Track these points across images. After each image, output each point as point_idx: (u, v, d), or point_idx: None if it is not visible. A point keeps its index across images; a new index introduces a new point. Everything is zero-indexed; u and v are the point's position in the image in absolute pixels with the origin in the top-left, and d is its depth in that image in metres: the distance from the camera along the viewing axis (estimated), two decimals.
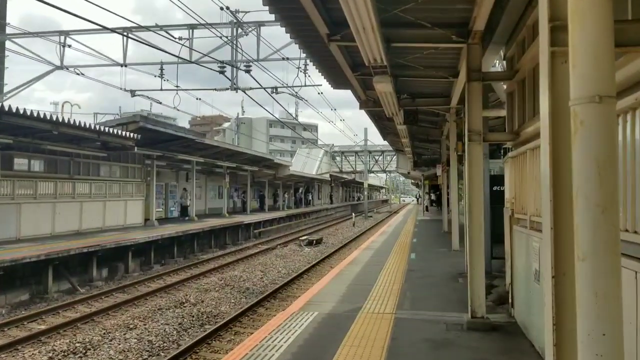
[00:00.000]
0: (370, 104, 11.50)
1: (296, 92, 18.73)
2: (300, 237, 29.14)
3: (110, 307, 13.02)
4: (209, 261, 21.36)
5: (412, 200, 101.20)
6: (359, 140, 59.87)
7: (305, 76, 18.48)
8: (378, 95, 8.84)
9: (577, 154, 2.23)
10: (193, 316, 12.00)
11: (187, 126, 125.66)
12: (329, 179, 63.81)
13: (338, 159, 76.28)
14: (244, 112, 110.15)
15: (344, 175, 72.81)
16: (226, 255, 23.15)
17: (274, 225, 36.24)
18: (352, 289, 9.79)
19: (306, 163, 72.12)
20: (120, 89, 19.78)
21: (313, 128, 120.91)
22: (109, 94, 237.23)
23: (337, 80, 10.58)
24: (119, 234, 20.17)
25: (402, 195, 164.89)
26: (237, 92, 18.70)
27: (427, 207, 46.18)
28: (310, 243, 27.18)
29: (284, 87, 18.58)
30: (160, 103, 21.31)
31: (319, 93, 21.32)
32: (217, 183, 36.84)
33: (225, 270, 18.89)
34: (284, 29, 8.37)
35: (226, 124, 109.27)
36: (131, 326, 11.23)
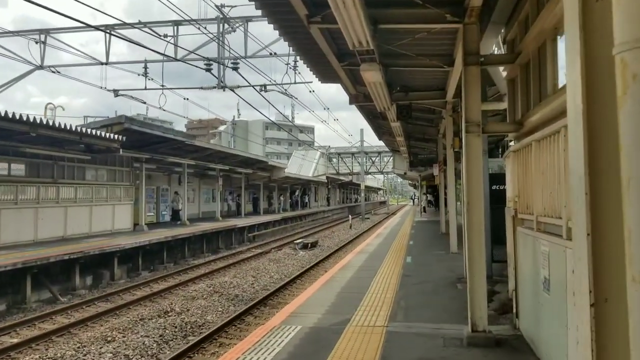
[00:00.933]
0: (361, 99, 10.81)
1: (285, 90, 18.06)
2: (295, 240, 28.42)
3: (90, 318, 12.31)
4: (199, 267, 20.65)
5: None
6: (354, 140, 59.39)
7: (295, 73, 17.85)
8: (367, 87, 8.16)
9: (628, 124, 1.55)
10: (176, 327, 11.30)
11: (184, 130, 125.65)
12: (326, 180, 63.05)
13: (335, 160, 75.70)
14: (239, 115, 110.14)
15: (341, 177, 72.15)
16: (218, 260, 22.45)
17: (269, 228, 35.54)
18: (341, 297, 9.06)
19: (302, 165, 71.48)
20: (101, 87, 19.10)
21: (309, 130, 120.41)
22: (106, 99, 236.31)
23: (324, 72, 9.88)
24: (106, 239, 19.45)
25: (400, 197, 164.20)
26: (224, 90, 18.02)
27: (424, 208, 45.51)
28: (305, 246, 26.50)
29: (273, 84, 17.88)
30: (145, 103, 20.44)
31: (310, 91, 20.65)
32: (210, 186, 36.14)
33: (215, 276, 18.19)
34: (272, 25, 7.75)
35: (222, 127, 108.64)
36: (109, 339, 10.53)
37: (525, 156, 5.56)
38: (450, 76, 8.78)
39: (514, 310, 6.33)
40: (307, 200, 57.87)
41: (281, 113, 48.84)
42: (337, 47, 7.89)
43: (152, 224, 27.59)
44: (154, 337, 10.46)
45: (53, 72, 18.39)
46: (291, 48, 8.62)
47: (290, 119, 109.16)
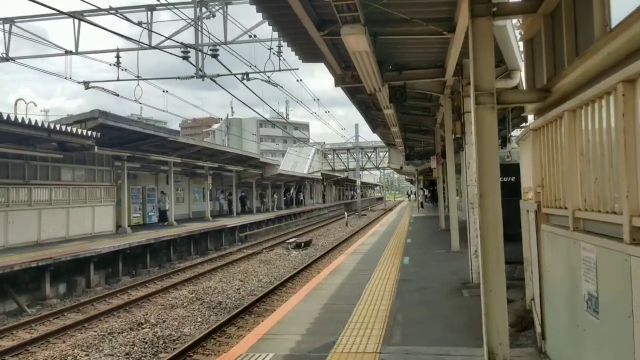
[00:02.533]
0: (348, 79, 9.57)
1: (269, 77, 16.75)
2: (288, 239, 27.20)
3: (54, 333, 11.06)
4: (184, 270, 19.41)
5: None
6: (347, 135, 58.14)
7: (279, 60, 16.54)
8: (353, 60, 6.92)
9: None
10: (147, 342, 10.08)
11: (178, 129, 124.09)
12: (321, 177, 61.81)
13: (330, 157, 74.48)
14: (233, 113, 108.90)
15: (337, 174, 70.95)
16: (205, 263, 21.21)
17: (262, 227, 34.31)
18: (328, 310, 7.77)
19: (297, 162, 70.26)
20: (66, 78, 17.80)
21: (304, 127, 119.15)
22: (100, 100, 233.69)
23: (305, 49, 8.65)
24: (84, 243, 18.19)
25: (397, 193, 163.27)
26: (203, 80, 16.75)
27: (422, 203, 44.33)
28: (298, 246, 25.30)
29: (256, 72, 16.61)
30: (118, 95, 19.06)
31: (298, 80, 19.39)
32: (200, 185, 34.83)
33: (200, 281, 16.96)
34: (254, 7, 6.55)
35: (216, 125, 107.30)
36: (69, 358, 9.31)
37: (552, 134, 4.34)
38: (451, 46, 7.53)
39: (539, 330, 5.07)
40: (302, 198, 56.54)
41: (275, 110, 47.66)
42: (316, 12, 6.66)
43: (138, 226, 26.36)
44: (119, 356, 9.24)
45: (6, 59, 17.01)
46: (265, 19, 7.36)
47: (284, 116, 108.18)
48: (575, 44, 3.99)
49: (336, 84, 9.77)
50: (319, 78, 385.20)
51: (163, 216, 27.87)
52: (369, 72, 7.45)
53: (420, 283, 9.74)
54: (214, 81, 16.02)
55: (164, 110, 38.45)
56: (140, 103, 18.31)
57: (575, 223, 3.81)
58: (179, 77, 17.86)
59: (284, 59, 16.61)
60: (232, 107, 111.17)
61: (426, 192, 49.04)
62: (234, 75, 15.90)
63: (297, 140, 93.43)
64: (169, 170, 26.95)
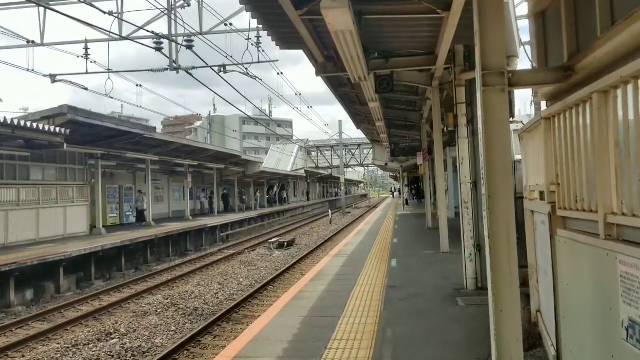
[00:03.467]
0: (330, 68, 8.81)
1: (247, 69, 15.89)
2: (271, 239, 26.41)
3: (14, 346, 10.21)
4: (161, 273, 18.55)
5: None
6: (332, 132, 57.47)
7: (259, 51, 15.69)
8: (335, 42, 6.17)
9: None
10: (114, 355, 9.29)
11: (160, 127, 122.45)
12: (305, 175, 61.04)
13: (314, 154, 73.74)
14: (215, 110, 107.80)
15: (321, 171, 70.23)
16: (184, 265, 20.36)
17: (244, 226, 33.47)
18: (308, 324, 6.95)
19: (280, 159, 69.47)
20: (28, 70, 16.81)
21: (288, 124, 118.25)
22: (86, 100, 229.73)
23: (282, 33, 7.87)
24: (54, 246, 17.27)
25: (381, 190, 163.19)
26: (177, 72, 15.89)
27: (407, 200, 43.74)
28: (281, 246, 24.52)
29: (234, 64, 15.74)
30: (87, 89, 18.10)
31: (278, 73, 18.60)
32: (181, 184, 33.83)
33: (177, 285, 16.14)
34: None
35: (198, 123, 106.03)
36: None
37: (573, 121, 3.63)
38: (445, 28, 6.80)
39: (554, 353, 4.34)
40: (285, 196, 55.70)
41: (258, 108, 46.79)
42: None
43: (114, 226, 25.43)
44: None
45: None
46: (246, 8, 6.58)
47: (267, 113, 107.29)
48: (611, 9, 3.29)
49: (317, 73, 8.99)
50: (302, 76, 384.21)
51: (141, 216, 26.95)
52: (353, 57, 6.70)
53: (410, 289, 8.95)
54: (189, 74, 15.16)
55: (138, 106, 37.33)
56: (110, 97, 17.38)
57: (608, 230, 3.10)
58: (151, 70, 16.98)
59: (263, 51, 15.81)
60: (214, 105, 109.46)
61: (411, 189, 48.46)
62: (210, 67, 15.06)
63: (280, 138, 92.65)
64: (146, 168, 26.00)
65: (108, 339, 10.43)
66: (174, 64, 15.55)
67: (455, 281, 9.12)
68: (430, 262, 12.02)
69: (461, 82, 7.78)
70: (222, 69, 15.69)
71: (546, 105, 4.77)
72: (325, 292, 8.97)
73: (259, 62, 15.89)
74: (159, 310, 12.60)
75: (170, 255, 22.86)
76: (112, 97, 17.89)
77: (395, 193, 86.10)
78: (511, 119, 20.10)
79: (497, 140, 3.76)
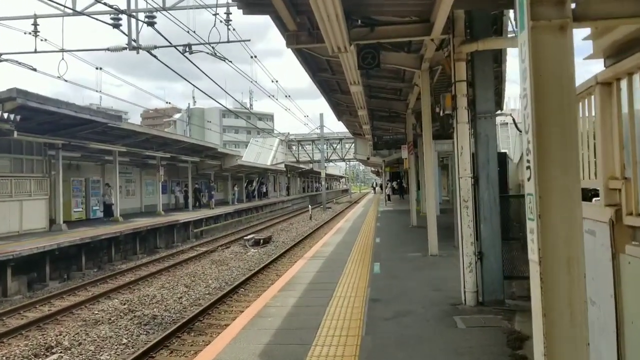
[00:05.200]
0: (304, 38, 7.42)
1: (213, 48, 14.40)
2: (246, 236, 25.04)
3: None
4: (125, 273, 17.12)
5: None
6: (312, 124, 56.23)
7: (228, 30, 14.22)
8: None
9: None
10: None
11: (139, 120, 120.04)
12: (285, 169, 59.62)
13: (295, 148, 72.37)
14: (195, 102, 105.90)
15: (301, 165, 68.87)
16: (150, 264, 18.94)
17: (220, 222, 32.03)
18: (269, 357, 5.51)
19: (260, 153, 68.00)
20: None
21: (269, 118, 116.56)
22: (62, 91, 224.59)
23: None
24: (5, 243, 15.74)
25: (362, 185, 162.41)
26: (138, 52, 14.39)
27: (388, 196, 42.57)
28: (256, 243, 23.18)
29: (201, 44, 14.28)
30: (36, 70, 16.52)
31: (252, 57, 17.18)
32: (154, 177, 32.26)
33: (139, 287, 14.75)
34: None
35: (177, 115, 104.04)
36: None
37: None
38: None
39: None
40: (264, 190, 54.24)
41: (238, 101, 45.21)
42: None
43: (80, 222, 23.88)
44: None
45: None
46: None
47: (248, 106, 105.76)
48: None
49: (288, 44, 7.61)
50: (284, 70, 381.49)
51: (108, 211, 25.36)
52: (331, 19, 5.37)
53: (397, 305, 7.46)
54: (150, 53, 13.67)
55: (98, 91, 35.05)
56: (64, 80, 15.76)
57: None
58: (108, 49, 15.39)
59: (233, 29, 14.40)
60: (193, 97, 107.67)
61: (393, 185, 47.29)
62: (174, 46, 13.63)
63: (261, 131, 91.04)
64: (114, 160, 24.42)
65: (47, 354, 9.06)
66: (133, 43, 14.04)
67: (450, 293, 7.73)
68: (418, 267, 10.65)
69: (461, 56, 6.51)
70: (187, 49, 14.21)
71: (605, 65, 3.49)
72: (296, 307, 7.52)
73: (228, 41, 14.44)
74: (112, 318, 11.21)
75: (138, 253, 21.39)
76: (65, 80, 16.33)
77: (376, 188, 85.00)
78: (499, 112, 18.70)
79: (553, 110, 2.42)
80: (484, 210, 6.52)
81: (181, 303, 12.63)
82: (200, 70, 14.97)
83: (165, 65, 13.78)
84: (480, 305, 6.65)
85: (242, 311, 10.47)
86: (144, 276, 16.15)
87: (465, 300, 6.71)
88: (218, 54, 14.35)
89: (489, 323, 5.91)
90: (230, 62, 14.88)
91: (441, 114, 6.69)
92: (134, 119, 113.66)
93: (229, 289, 13.61)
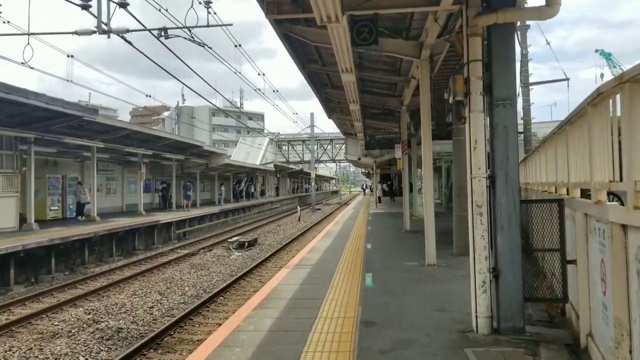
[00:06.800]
0: (287, 7, 6.26)
1: (191, 32, 13.19)
2: (230, 238, 23.85)
3: None
4: (97, 277, 15.90)
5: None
6: (301, 123, 55.11)
7: (208, 13, 13.02)
8: None
9: None
10: None
11: (128, 117, 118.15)
12: (274, 169, 58.45)
13: (285, 148, 71.27)
14: (184, 100, 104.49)
15: (291, 166, 67.76)
16: (126, 267, 17.71)
17: (205, 222, 30.80)
18: None
19: (250, 153, 66.91)
20: None
21: (259, 117, 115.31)
22: (50, 87, 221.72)
23: None
24: None
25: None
26: (109, 36, 13.14)
27: (379, 197, 41.54)
28: (241, 246, 22.01)
29: (177, 28, 13.07)
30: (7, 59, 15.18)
31: (236, 45, 15.99)
32: (137, 175, 30.99)
33: (109, 293, 13.56)
34: None
35: (165, 113, 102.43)
36: None
37: None
38: None
39: None
40: (252, 191, 53.01)
41: (228, 100, 44.08)
42: None
43: (55, 221, 22.64)
44: None
45: None
46: None
47: (238, 105, 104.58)
48: None
49: (268, 13, 6.45)
50: (277, 71, 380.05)
51: (80, 209, 24.03)
52: None
53: (395, 330, 6.13)
54: (123, 38, 12.44)
55: (69, 80, 32.87)
56: (29, 67, 14.52)
57: None
58: (75, 32, 14.16)
59: (215, 13, 13.24)
60: (182, 95, 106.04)
61: (384, 187, 46.23)
62: (149, 30, 12.46)
63: (251, 131, 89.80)
64: (92, 156, 23.17)
65: None
66: (103, 26, 12.80)
67: (456, 315, 6.54)
68: (416, 279, 9.40)
69: (476, 30, 5.38)
70: (162, 33, 13.00)
71: None
72: (272, 332, 6.19)
73: (207, 25, 13.22)
74: (73, 331, 10.02)
75: (114, 255, 20.15)
76: (31, 67, 15.09)
77: (366, 190, 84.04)
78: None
79: None
80: (501, 217, 5.41)
81: (152, 313, 11.45)
82: (189, 67, 13.96)
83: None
84: (496, 333, 5.45)
85: (220, 323, 9.38)
86: (117, 281, 14.95)
87: (477, 326, 5.52)
88: (196, 39, 13.14)
89: (509, 357, 4.78)
90: (210, 47, 13.71)
91: (451, 100, 5.59)
92: (124, 117, 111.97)
93: (207, 298, 12.47)
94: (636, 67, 2.79)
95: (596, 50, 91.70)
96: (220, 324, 8.85)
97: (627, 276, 3.18)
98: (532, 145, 22.06)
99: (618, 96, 3.29)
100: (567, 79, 22.20)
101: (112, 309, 11.76)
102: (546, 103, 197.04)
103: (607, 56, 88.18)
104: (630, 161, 2.87)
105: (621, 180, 3.25)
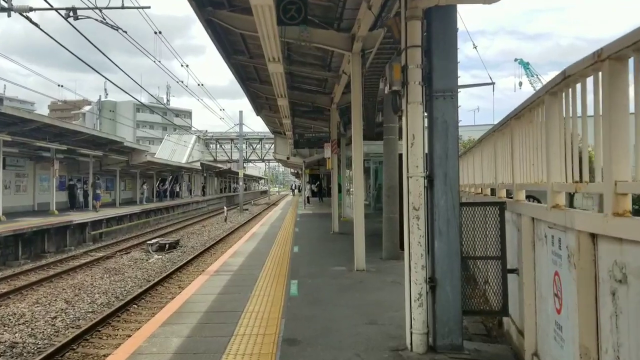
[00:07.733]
0: None
1: (101, 13, 12.03)
2: (149, 240, 22.57)
3: None
4: None
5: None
6: (228, 120, 53.80)
7: None
8: None
9: None
10: None
11: (47, 111, 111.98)
12: (200, 168, 56.80)
13: (212, 146, 69.61)
14: (107, 95, 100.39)
15: (219, 165, 66.18)
16: (31, 272, 16.23)
17: (124, 223, 29.18)
18: None
19: (175, 150, 64.81)
20: None
21: (186, 114, 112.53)
22: None
23: None
24: None
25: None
26: (9, 15, 11.82)
27: (308, 198, 41.10)
28: (161, 248, 20.86)
29: (88, 8, 11.92)
30: None
31: (155, 32, 14.95)
32: (50, 172, 28.90)
33: (9, 301, 12.25)
34: None
35: (86, 108, 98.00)
36: None
37: None
38: None
39: None
40: (178, 190, 51.25)
41: (153, 96, 42.25)
42: None
43: None
44: None
45: None
46: None
47: (164, 102, 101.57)
48: None
49: None
50: (205, 67, 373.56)
51: None
52: None
53: (321, 350, 5.40)
54: (28, 18, 11.12)
55: (5, 84, 30.68)
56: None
57: None
58: None
59: None
60: (105, 89, 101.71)
61: (313, 187, 45.83)
62: (55, 9, 11.26)
63: (178, 128, 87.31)
64: None
65: None
66: (3, 2, 11.46)
67: (388, 329, 5.94)
68: (344, 286, 8.76)
69: (416, 12, 4.81)
70: (70, 14, 11.77)
71: None
72: (179, 354, 5.25)
73: (123, 7, 12.16)
74: None
75: (20, 259, 18.50)
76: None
77: (295, 190, 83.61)
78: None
79: None
80: (439, 221, 4.88)
81: (54, 325, 10.31)
82: (108, 58, 12.85)
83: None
84: (432, 351, 4.86)
85: (130, 335, 8.44)
86: (19, 287, 13.56)
87: (411, 344, 4.92)
88: (109, 21, 11.99)
89: None
90: (125, 32, 12.56)
91: (387, 90, 5.01)
92: (42, 111, 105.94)
93: (118, 306, 11.43)
94: (618, 40, 2.30)
95: (515, 59, 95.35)
96: (130, 336, 7.93)
97: (596, 296, 2.69)
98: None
99: (589, 79, 2.83)
100: (493, 83, 22.58)
101: (9, 320, 10.54)
102: (470, 108, 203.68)
103: (526, 65, 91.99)
104: (609, 158, 2.38)
105: (592, 180, 2.76)
